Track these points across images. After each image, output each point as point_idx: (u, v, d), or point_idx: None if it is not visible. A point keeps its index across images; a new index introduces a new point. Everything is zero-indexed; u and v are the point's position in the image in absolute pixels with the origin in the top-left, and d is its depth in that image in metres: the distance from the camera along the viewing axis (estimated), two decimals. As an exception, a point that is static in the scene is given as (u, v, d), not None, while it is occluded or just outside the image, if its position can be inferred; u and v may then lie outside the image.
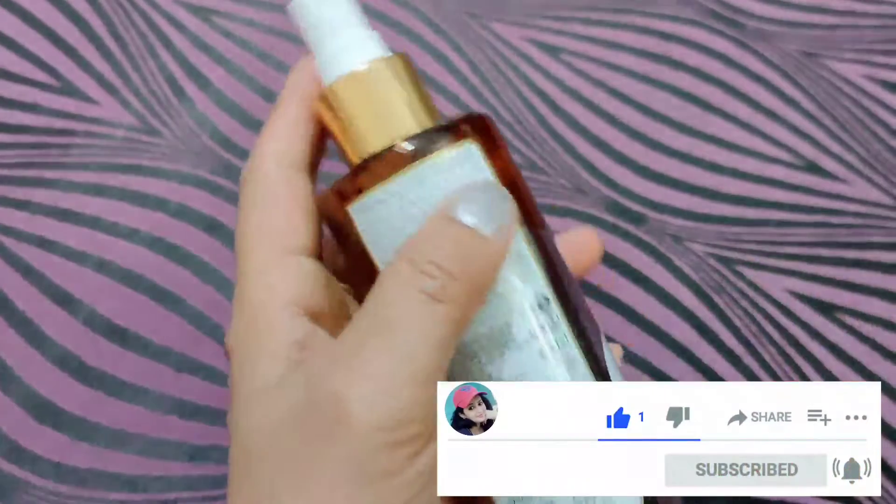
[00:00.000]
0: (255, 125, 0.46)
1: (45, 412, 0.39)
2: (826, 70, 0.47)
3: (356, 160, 0.24)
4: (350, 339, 0.21)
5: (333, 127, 0.24)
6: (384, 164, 0.22)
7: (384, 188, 0.22)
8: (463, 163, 0.23)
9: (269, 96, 0.47)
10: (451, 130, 0.23)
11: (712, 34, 0.48)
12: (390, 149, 0.23)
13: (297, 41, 0.48)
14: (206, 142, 0.45)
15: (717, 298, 0.42)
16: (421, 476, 0.21)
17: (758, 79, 0.47)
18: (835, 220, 0.43)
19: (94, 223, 0.43)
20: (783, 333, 0.41)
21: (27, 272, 0.41)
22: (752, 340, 0.41)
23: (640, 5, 0.49)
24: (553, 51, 0.48)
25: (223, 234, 0.43)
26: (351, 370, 0.20)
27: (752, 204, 0.44)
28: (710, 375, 0.40)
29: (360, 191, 0.23)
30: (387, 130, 0.23)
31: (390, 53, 0.24)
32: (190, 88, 0.47)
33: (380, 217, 0.22)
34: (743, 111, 0.46)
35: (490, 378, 0.23)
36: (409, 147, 0.22)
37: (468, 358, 0.23)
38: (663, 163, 0.45)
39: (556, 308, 0.23)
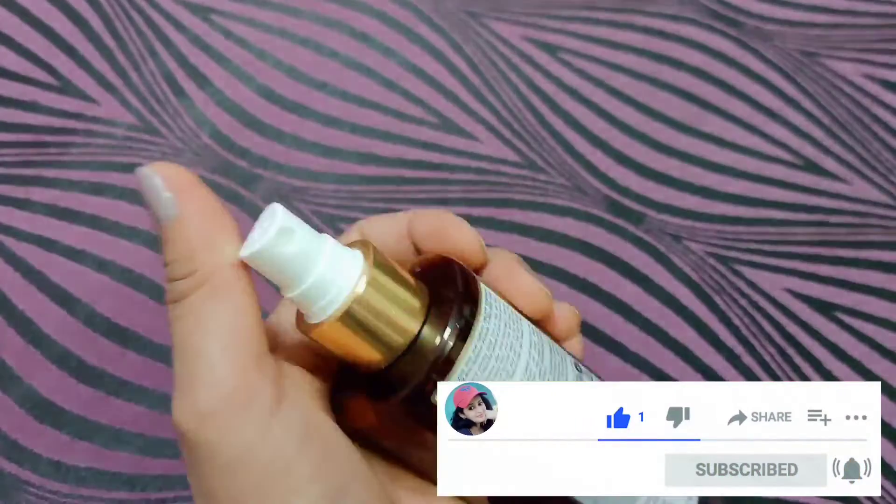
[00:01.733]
0: (254, 124, 0.46)
1: (45, 411, 0.39)
2: (825, 69, 0.47)
3: (386, 363, 0.24)
4: None
5: (343, 351, 0.23)
6: (442, 360, 0.23)
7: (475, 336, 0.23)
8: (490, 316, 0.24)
9: (269, 95, 0.47)
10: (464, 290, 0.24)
11: (712, 33, 0.48)
12: (439, 346, 0.23)
13: (296, 40, 0.49)
14: (206, 140, 0.45)
15: (716, 298, 0.42)
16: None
17: (757, 78, 0.47)
18: (834, 219, 0.43)
19: (93, 222, 0.43)
20: (782, 333, 0.41)
21: (27, 271, 0.41)
22: (752, 340, 0.41)
23: (639, 4, 0.49)
24: (552, 50, 0.48)
25: (223, 233, 0.43)
26: (178, 399, 0.22)
27: (751, 203, 0.44)
28: (710, 375, 0.40)
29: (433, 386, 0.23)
30: (409, 330, 0.23)
31: (358, 257, 0.23)
32: (189, 87, 0.47)
33: (483, 350, 0.24)
34: (742, 110, 0.46)
35: None
36: (449, 337, 0.23)
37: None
38: (663, 162, 0.45)
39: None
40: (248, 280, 0.22)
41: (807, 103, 0.46)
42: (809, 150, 0.45)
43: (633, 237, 0.43)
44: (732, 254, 0.43)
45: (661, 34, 0.48)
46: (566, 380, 0.25)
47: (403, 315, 0.23)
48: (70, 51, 0.47)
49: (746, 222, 0.43)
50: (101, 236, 0.42)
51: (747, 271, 0.42)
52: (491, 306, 0.24)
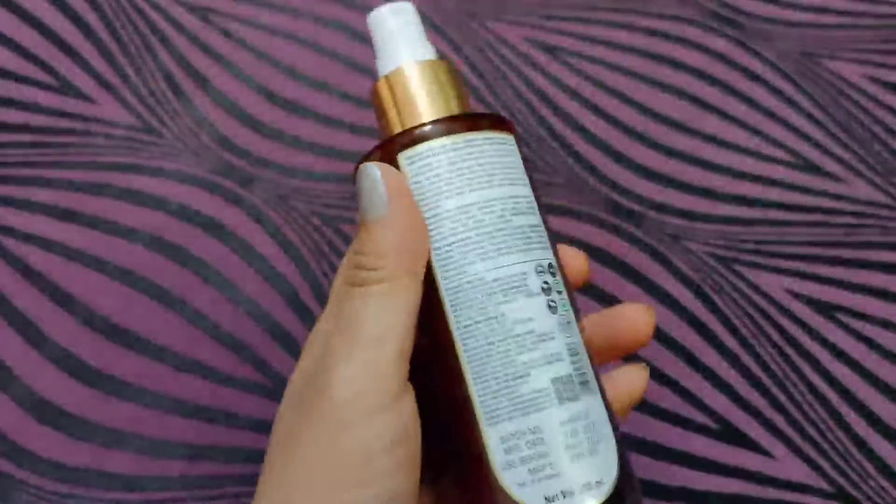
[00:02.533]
0: (253, 124, 0.46)
1: (44, 412, 0.39)
2: (825, 70, 0.47)
3: (406, 127, 0.27)
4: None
5: (386, 110, 0.28)
6: (439, 126, 0.26)
7: (435, 143, 0.26)
8: (502, 144, 0.27)
9: (268, 95, 0.47)
10: (494, 118, 0.27)
11: (712, 34, 0.48)
12: (444, 118, 0.27)
13: (296, 41, 0.49)
14: (206, 141, 0.45)
15: (716, 298, 0.42)
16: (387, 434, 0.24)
17: (757, 79, 0.47)
18: (834, 219, 0.43)
19: (92, 222, 0.43)
20: (782, 333, 0.41)
21: (26, 272, 0.41)
22: (751, 340, 0.41)
23: (639, 5, 0.49)
24: (552, 51, 0.48)
25: (222, 233, 0.43)
26: (331, 359, 0.24)
27: (751, 204, 0.44)
28: (709, 374, 0.40)
29: (413, 143, 0.26)
30: (434, 110, 0.27)
31: (435, 57, 0.28)
32: (189, 88, 0.47)
33: (428, 167, 0.26)
34: (742, 111, 0.46)
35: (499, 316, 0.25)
36: (460, 118, 0.27)
37: (487, 294, 0.25)
38: (663, 163, 0.45)
39: (560, 277, 0.26)
40: (419, 294, 0.25)
41: (807, 104, 0.46)
42: (809, 151, 0.45)
43: (633, 237, 0.43)
44: (732, 254, 0.43)
45: (661, 35, 0.48)
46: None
47: (428, 102, 0.27)
48: (69, 51, 0.47)
49: (746, 223, 0.43)
50: (101, 236, 0.42)
51: (747, 272, 0.42)
52: (507, 142, 0.27)
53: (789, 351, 0.40)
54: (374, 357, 0.23)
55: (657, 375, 0.40)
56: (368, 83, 0.47)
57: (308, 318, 0.41)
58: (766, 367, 0.40)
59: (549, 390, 0.24)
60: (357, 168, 0.26)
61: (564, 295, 0.26)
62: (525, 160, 0.27)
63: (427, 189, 0.25)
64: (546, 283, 0.25)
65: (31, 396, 0.39)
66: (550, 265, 0.26)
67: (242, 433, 0.39)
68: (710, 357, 0.40)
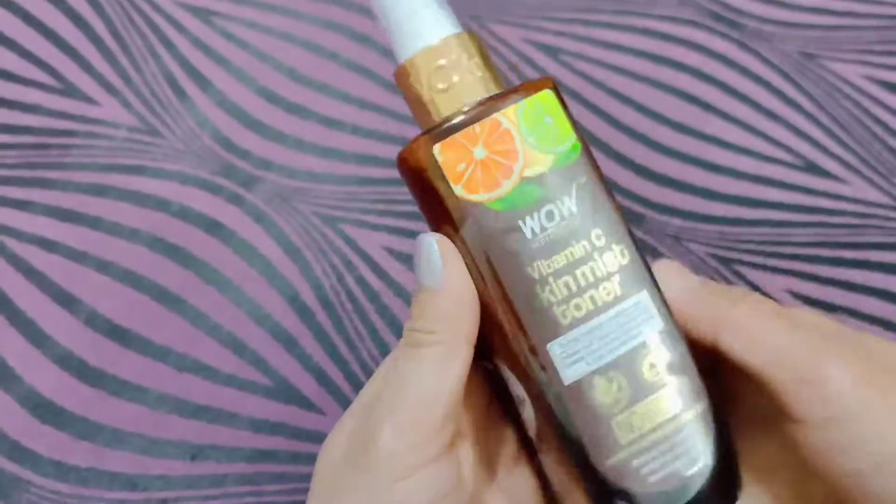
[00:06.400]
0: (255, 126, 0.46)
1: (47, 411, 0.39)
2: (826, 70, 0.47)
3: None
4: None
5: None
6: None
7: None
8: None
9: (270, 97, 0.47)
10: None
11: (712, 35, 0.48)
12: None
13: (297, 43, 0.49)
14: (207, 142, 0.45)
15: (716, 298, 0.42)
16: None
17: (757, 79, 0.47)
18: (834, 220, 0.43)
19: (95, 223, 0.43)
20: (783, 333, 0.41)
21: (28, 272, 0.42)
22: (752, 340, 0.41)
23: (639, 7, 0.49)
24: (553, 52, 0.48)
25: (224, 234, 0.43)
26: (382, 412, 0.25)
27: (751, 204, 0.44)
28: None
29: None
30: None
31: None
32: (191, 89, 0.47)
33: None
34: (742, 111, 0.46)
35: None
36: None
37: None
38: (663, 163, 0.45)
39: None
40: (469, 361, 0.25)
41: (807, 104, 0.46)
42: (809, 151, 0.45)
43: (634, 238, 0.43)
44: (733, 255, 0.43)
45: (661, 36, 0.48)
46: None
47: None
48: (72, 53, 0.47)
49: (747, 223, 0.43)
50: (103, 237, 0.43)
51: (748, 272, 0.42)
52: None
53: (790, 351, 0.40)
54: (421, 417, 0.24)
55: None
56: (369, 84, 0.47)
57: (309, 319, 0.41)
58: (766, 368, 0.40)
59: None
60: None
61: None
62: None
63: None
64: None
65: (33, 396, 0.39)
66: None
67: (243, 433, 0.39)
68: (710, 357, 0.40)
